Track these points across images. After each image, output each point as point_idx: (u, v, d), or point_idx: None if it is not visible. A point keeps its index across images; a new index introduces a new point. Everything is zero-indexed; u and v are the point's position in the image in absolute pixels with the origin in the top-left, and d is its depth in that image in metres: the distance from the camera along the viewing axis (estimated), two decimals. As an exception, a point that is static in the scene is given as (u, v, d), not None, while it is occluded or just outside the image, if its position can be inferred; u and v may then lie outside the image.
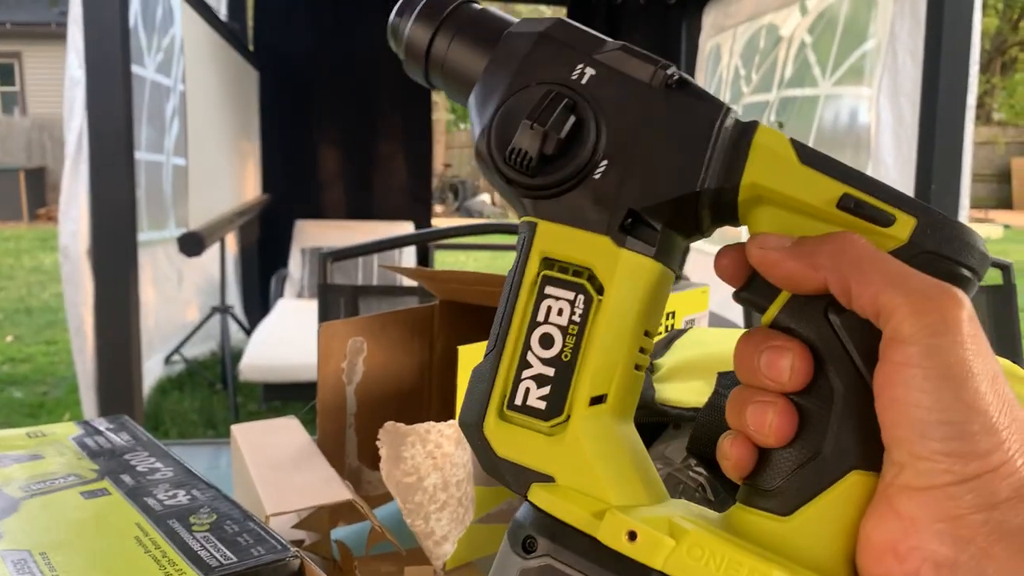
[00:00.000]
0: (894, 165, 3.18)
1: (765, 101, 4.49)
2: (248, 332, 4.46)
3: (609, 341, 0.34)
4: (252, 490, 0.70)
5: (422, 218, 5.74)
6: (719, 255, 0.35)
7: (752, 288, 0.35)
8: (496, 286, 0.84)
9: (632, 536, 0.32)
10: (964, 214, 2.89)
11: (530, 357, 0.35)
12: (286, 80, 5.44)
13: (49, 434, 0.75)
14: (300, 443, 0.79)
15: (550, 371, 0.34)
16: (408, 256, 4.91)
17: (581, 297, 0.34)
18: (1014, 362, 0.64)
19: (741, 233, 0.34)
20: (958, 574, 0.28)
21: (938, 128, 2.78)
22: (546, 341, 0.35)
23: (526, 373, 0.35)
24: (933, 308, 0.29)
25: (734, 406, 0.34)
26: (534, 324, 0.35)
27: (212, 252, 4.16)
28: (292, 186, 5.51)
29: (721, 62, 5.16)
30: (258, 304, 5.14)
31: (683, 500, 0.37)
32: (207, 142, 3.92)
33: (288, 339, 3.76)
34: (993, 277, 1.72)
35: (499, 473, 0.35)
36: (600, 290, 0.34)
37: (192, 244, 3.15)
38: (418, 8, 0.39)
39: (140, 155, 3.76)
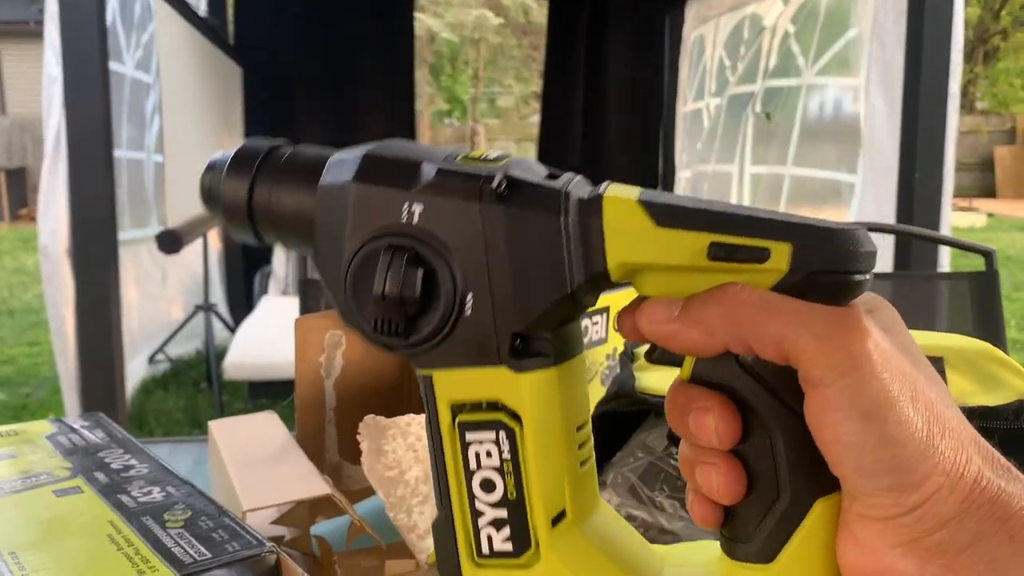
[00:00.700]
0: (892, 154, 3.18)
1: (750, 92, 4.49)
2: (232, 330, 4.44)
3: (546, 462, 0.34)
4: (229, 486, 0.69)
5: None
6: (620, 319, 0.34)
7: (659, 352, 0.34)
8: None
9: None
10: (948, 202, 2.89)
11: (479, 506, 0.35)
12: (269, 76, 5.40)
13: (22, 432, 0.74)
14: (278, 439, 0.78)
15: (503, 513, 0.34)
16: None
17: (502, 433, 0.34)
18: (995, 346, 0.64)
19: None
20: None
21: (921, 116, 2.79)
22: (487, 486, 0.35)
23: (482, 521, 0.35)
24: (837, 347, 0.29)
25: (684, 467, 0.34)
26: (469, 473, 0.35)
27: (195, 250, 4.13)
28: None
29: (705, 53, 5.16)
30: (243, 302, 5.11)
31: (679, 548, 0.38)
32: (185, 138, 3.88)
33: (273, 337, 3.74)
34: (976, 263, 1.72)
35: None
36: (517, 417, 0.34)
37: (170, 242, 3.13)
38: (228, 162, 0.37)
39: (121, 153, 3.73)
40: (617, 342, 0.89)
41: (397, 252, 0.33)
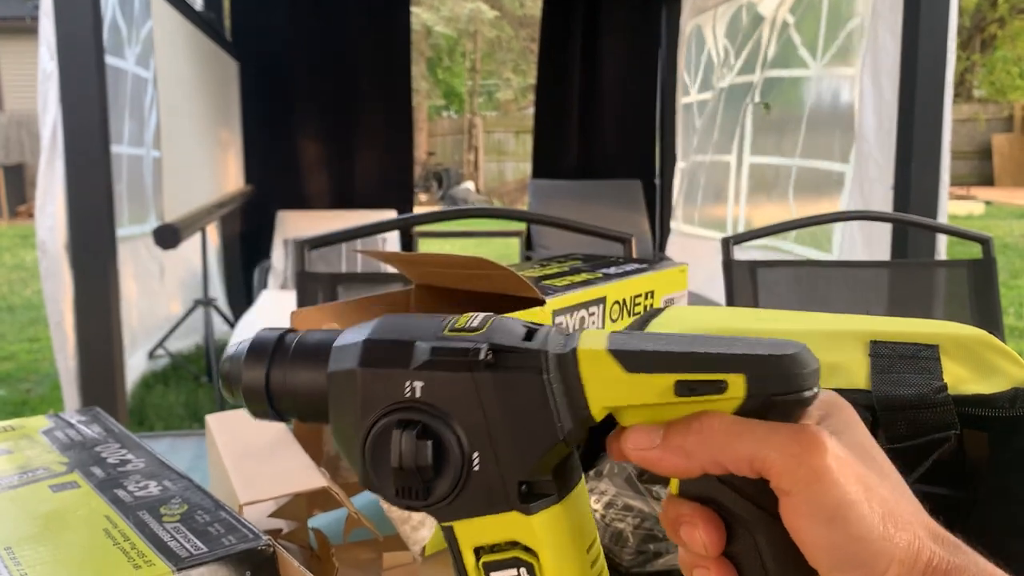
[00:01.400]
0: (876, 143, 3.18)
1: (749, 82, 4.48)
2: (232, 324, 4.44)
3: None
4: (226, 480, 0.69)
5: (404, 207, 5.72)
6: (609, 444, 0.39)
7: (649, 475, 0.39)
8: (472, 268, 0.83)
9: None
10: (944, 191, 2.89)
11: None
12: (266, 70, 5.39)
13: (19, 428, 0.74)
14: (275, 432, 0.78)
15: None
16: (392, 245, 4.89)
17: (523, 569, 0.38)
18: (992, 333, 0.64)
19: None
20: None
21: (917, 105, 2.78)
22: None
23: None
24: (800, 463, 0.33)
25: (684, 568, 0.38)
26: None
27: (194, 245, 4.12)
28: (274, 177, 5.47)
29: (703, 43, 5.15)
30: (242, 296, 5.11)
31: None
32: (182, 133, 3.88)
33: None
34: (973, 251, 1.72)
35: None
36: (533, 552, 0.38)
37: (167, 236, 3.12)
38: (245, 354, 0.42)
39: (121, 149, 3.73)
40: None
41: (407, 427, 0.37)
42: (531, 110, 6.77)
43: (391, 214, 5.35)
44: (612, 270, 0.98)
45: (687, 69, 5.41)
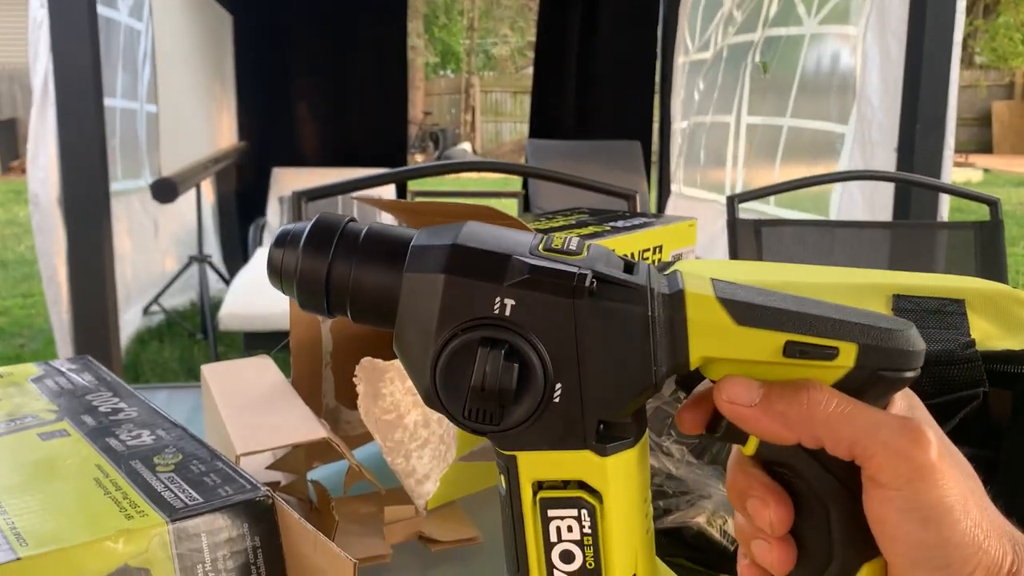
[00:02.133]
0: (880, 105, 3.14)
1: (750, 41, 4.42)
2: (227, 281, 4.41)
3: (624, 534, 0.36)
4: (223, 431, 0.67)
5: (399, 165, 5.66)
6: (681, 414, 0.37)
7: (726, 431, 0.36)
8: (480, 217, 0.80)
9: None
10: (949, 154, 2.86)
11: (557, 574, 0.37)
12: (260, 25, 5.30)
13: (7, 375, 0.72)
14: (273, 382, 0.75)
15: None
16: (388, 203, 4.84)
17: (584, 511, 0.36)
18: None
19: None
20: None
21: (924, 67, 2.74)
22: (566, 557, 0.36)
23: None
24: (905, 458, 0.32)
25: (740, 536, 0.37)
26: (549, 545, 0.36)
27: (188, 201, 4.08)
28: (269, 133, 5.41)
29: (704, 1, 5.07)
30: (238, 253, 5.07)
31: None
32: (178, 87, 3.82)
33: (268, 287, 3.69)
34: (981, 213, 1.70)
35: None
36: (598, 495, 0.36)
37: (165, 190, 3.08)
38: (304, 238, 0.37)
39: (114, 102, 3.66)
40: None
41: (495, 346, 0.34)
42: (529, 70, 6.69)
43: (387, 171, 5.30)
44: (620, 223, 0.95)
45: (689, 27, 5.34)
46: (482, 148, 15.21)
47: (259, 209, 5.03)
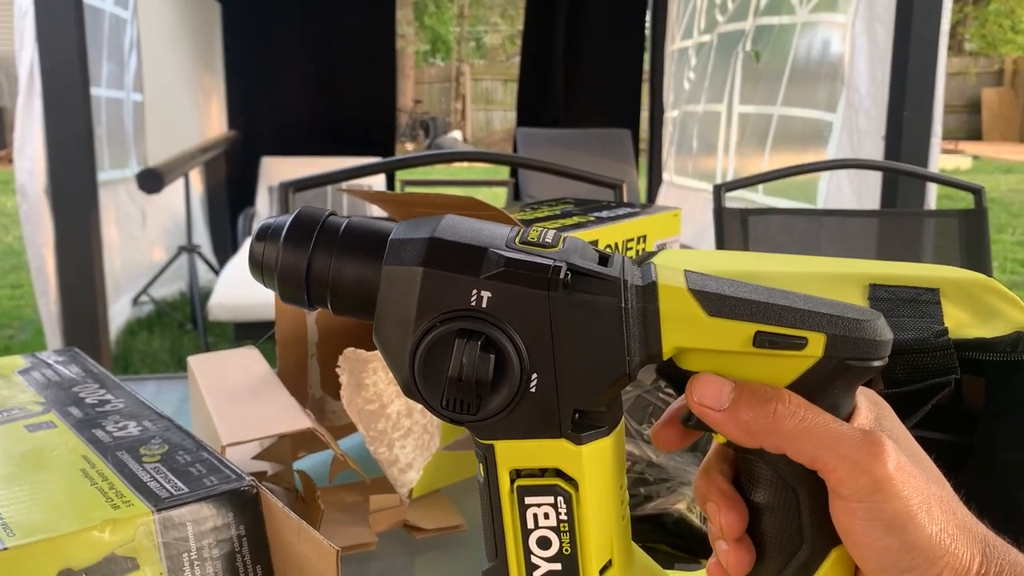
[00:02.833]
0: (868, 93, 3.15)
1: (741, 30, 4.42)
2: (217, 272, 4.40)
3: (599, 521, 0.37)
4: (209, 421, 0.67)
5: (388, 154, 5.66)
6: (656, 432, 0.39)
7: (697, 422, 0.37)
8: (462, 209, 0.81)
9: None
10: (936, 142, 2.87)
11: (534, 560, 0.38)
12: (249, 13, 5.28)
13: (-7, 368, 0.72)
14: (259, 373, 0.76)
15: (557, 566, 0.38)
16: (378, 193, 4.83)
17: (560, 498, 0.37)
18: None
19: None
20: None
21: (912, 53, 2.75)
22: (543, 543, 0.37)
23: (536, 574, 0.38)
24: (863, 471, 0.33)
25: (709, 535, 0.39)
26: (527, 532, 0.37)
27: (176, 191, 4.07)
28: (258, 123, 5.40)
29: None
30: (227, 243, 5.06)
31: None
32: (164, 76, 3.80)
33: (257, 278, 3.70)
34: (966, 201, 1.71)
35: None
36: (573, 483, 0.37)
37: (151, 180, 3.07)
38: (285, 232, 0.38)
39: (100, 91, 3.64)
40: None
41: (471, 337, 0.34)
42: (519, 58, 6.68)
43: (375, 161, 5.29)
44: (604, 214, 0.96)
45: (678, 15, 5.33)
46: (473, 136, 15.18)
47: (248, 199, 5.01)
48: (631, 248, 0.95)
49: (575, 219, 0.92)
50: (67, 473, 0.53)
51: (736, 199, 1.82)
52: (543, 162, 1.47)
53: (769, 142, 4.13)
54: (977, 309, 0.60)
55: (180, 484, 0.52)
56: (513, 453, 0.37)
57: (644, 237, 0.96)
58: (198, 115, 4.67)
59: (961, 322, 0.59)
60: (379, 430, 0.66)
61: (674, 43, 5.41)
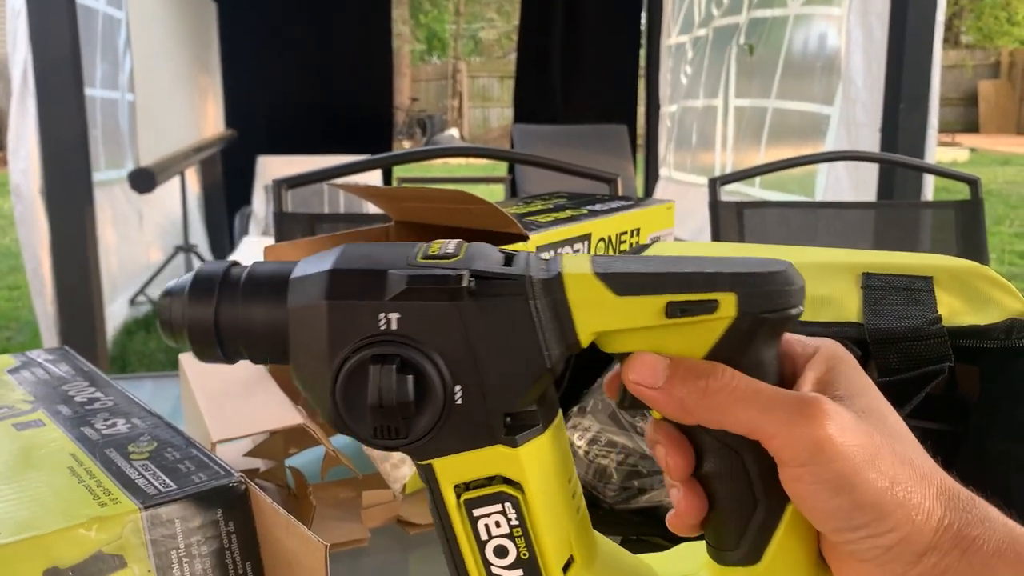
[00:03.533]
0: (864, 86, 3.14)
1: (735, 24, 4.41)
2: (214, 271, 4.39)
3: (551, 519, 0.37)
4: (199, 418, 0.67)
5: (385, 151, 5.66)
6: (608, 383, 0.38)
7: (631, 402, 0.37)
8: (453, 202, 0.81)
9: None
10: (933, 134, 2.87)
11: (495, 571, 0.37)
12: (245, 13, 5.27)
13: (-17, 367, 0.72)
14: (251, 370, 0.76)
15: (518, 573, 0.37)
16: (375, 191, 4.83)
17: (508, 504, 0.36)
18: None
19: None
20: None
21: (907, 46, 2.75)
22: (500, 552, 0.37)
23: None
24: (802, 436, 0.33)
25: (666, 484, 0.39)
26: (481, 544, 0.37)
27: (173, 191, 4.06)
28: (255, 122, 5.39)
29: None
30: (225, 243, 5.06)
31: (670, 556, 0.43)
32: (158, 76, 3.79)
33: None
34: (962, 192, 1.71)
35: None
36: (518, 486, 0.36)
37: (143, 180, 3.07)
38: (188, 288, 0.38)
39: (95, 92, 3.64)
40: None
41: (385, 361, 0.34)
42: (515, 55, 6.67)
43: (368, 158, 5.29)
44: (598, 207, 0.96)
45: (674, 10, 5.33)
46: (470, 133, 15.17)
47: (245, 198, 5.01)
48: (625, 241, 0.94)
49: (568, 212, 0.92)
50: (55, 471, 0.53)
51: (734, 193, 1.81)
52: (537, 157, 1.47)
53: (764, 136, 4.12)
54: (970, 296, 0.60)
55: (168, 481, 0.51)
56: (453, 468, 0.36)
57: (638, 230, 0.96)
58: (193, 114, 4.67)
59: (954, 309, 0.59)
60: (371, 425, 0.66)
61: (670, 38, 5.41)
